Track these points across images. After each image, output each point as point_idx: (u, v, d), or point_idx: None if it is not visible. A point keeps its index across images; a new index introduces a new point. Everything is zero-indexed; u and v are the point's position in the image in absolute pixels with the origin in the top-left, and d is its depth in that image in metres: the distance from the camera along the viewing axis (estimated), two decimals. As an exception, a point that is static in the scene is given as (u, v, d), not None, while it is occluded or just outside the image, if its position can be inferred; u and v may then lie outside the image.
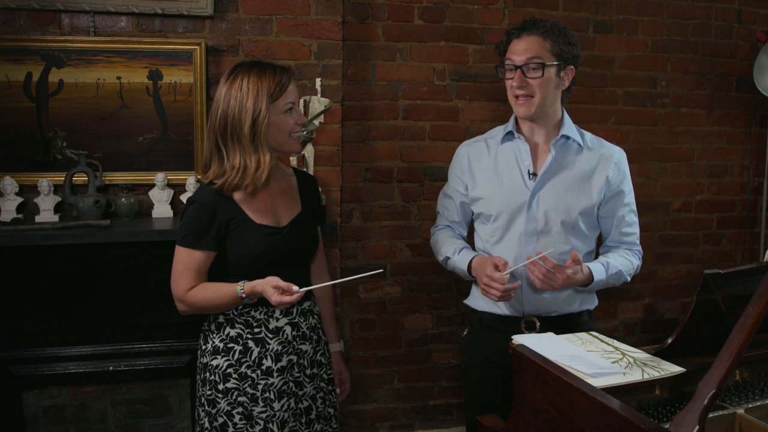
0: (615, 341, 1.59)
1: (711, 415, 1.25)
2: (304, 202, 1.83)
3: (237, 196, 1.68)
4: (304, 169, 2.44)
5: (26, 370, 2.31)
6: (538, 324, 1.86)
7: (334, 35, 2.60)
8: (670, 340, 1.47)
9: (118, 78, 2.40)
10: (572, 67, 1.83)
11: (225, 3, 2.49)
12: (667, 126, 3.19)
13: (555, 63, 1.78)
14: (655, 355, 1.46)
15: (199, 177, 2.46)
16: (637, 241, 1.96)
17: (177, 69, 2.44)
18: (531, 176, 1.86)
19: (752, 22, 3.21)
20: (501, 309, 1.90)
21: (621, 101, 3.11)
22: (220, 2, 2.48)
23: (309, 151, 2.47)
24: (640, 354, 1.47)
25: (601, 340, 1.59)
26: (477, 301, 1.96)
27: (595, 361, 1.41)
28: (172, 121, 2.47)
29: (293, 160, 2.39)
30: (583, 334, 1.64)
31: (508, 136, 1.92)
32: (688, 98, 3.20)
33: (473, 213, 1.99)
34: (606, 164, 1.87)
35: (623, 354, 1.47)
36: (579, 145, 1.89)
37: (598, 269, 1.82)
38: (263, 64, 1.67)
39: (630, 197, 1.93)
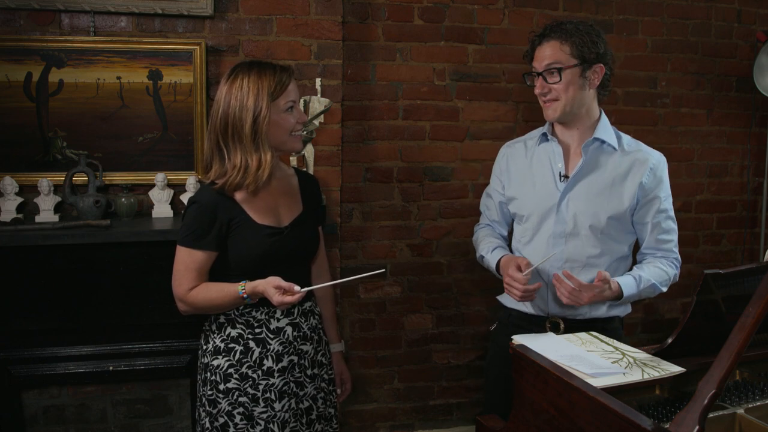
0: (615, 341, 1.59)
1: (711, 415, 1.25)
2: (306, 202, 1.83)
3: (238, 196, 1.68)
4: (304, 169, 2.44)
5: (26, 370, 2.31)
6: (562, 325, 1.85)
7: (334, 35, 2.60)
8: (670, 340, 1.47)
9: (118, 78, 2.40)
10: (600, 65, 1.80)
11: (225, 3, 2.49)
12: (667, 126, 3.19)
13: (575, 65, 1.77)
14: (655, 355, 1.46)
15: (199, 177, 2.47)
16: (675, 249, 1.89)
17: (177, 69, 2.44)
18: (562, 178, 1.85)
19: (752, 22, 3.21)
20: (527, 308, 1.90)
21: (621, 101, 3.11)
22: (220, 2, 2.48)
23: (309, 151, 2.47)
24: (640, 354, 1.47)
25: (601, 340, 1.59)
26: (506, 297, 1.95)
27: (595, 361, 1.41)
28: (172, 121, 2.47)
29: (293, 160, 2.39)
30: (583, 334, 1.64)
31: (543, 137, 1.92)
32: (688, 98, 3.20)
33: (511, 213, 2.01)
34: (640, 169, 1.84)
35: (623, 354, 1.47)
36: (613, 148, 1.85)
37: (629, 283, 1.78)
38: (263, 64, 1.67)
39: (667, 203, 1.88)
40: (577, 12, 2.99)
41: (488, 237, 2.03)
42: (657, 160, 1.88)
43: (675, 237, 1.90)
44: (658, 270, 1.84)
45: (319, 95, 2.44)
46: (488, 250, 1.97)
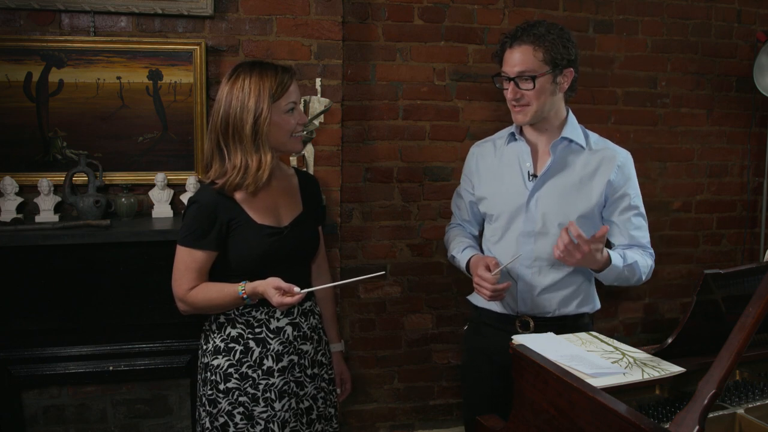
0: (615, 341, 1.59)
1: (711, 415, 1.25)
2: (306, 203, 1.83)
3: (238, 196, 1.68)
4: (305, 169, 2.44)
5: (26, 370, 2.31)
6: (532, 324, 1.87)
7: (334, 35, 2.60)
8: (670, 340, 1.47)
9: (118, 78, 2.40)
10: (571, 69, 1.81)
11: (225, 3, 2.49)
12: (667, 126, 3.19)
13: (547, 72, 1.77)
14: (655, 355, 1.46)
15: (199, 177, 2.47)
16: (648, 245, 1.90)
17: (177, 69, 2.44)
18: (531, 177, 1.86)
19: (752, 22, 3.21)
20: (497, 307, 1.91)
21: (621, 101, 3.11)
22: (220, 2, 2.48)
23: (309, 151, 2.47)
24: (640, 354, 1.47)
25: (601, 340, 1.59)
26: (476, 297, 1.97)
27: (595, 361, 1.41)
28: (172, 121, 2.47)
29: (293, 160, 2.39)
30: (583, 334, 1.64)
31: (512, 137, 1.93)
32: (688, 98, 3.20)
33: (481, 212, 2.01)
34: (608, 166, 1.85)
35: (623, 354, 1.47)
36: (581, 147, 1.87)
37: (615, 257, 1.76)
38: (265, 64, 1.67)
39: (637, 200, 1.88)
40: (577, 12, 2.99)
41: (459, 237, 2.03)
42: (624, 157, 1.88)
43: (647, 233, 1.91)
44: (639, 256, 1.84)
45: (319, 95, 2.44)
46: (459, 249, 1.98)
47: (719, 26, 3.17)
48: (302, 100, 2.35)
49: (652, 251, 1.91)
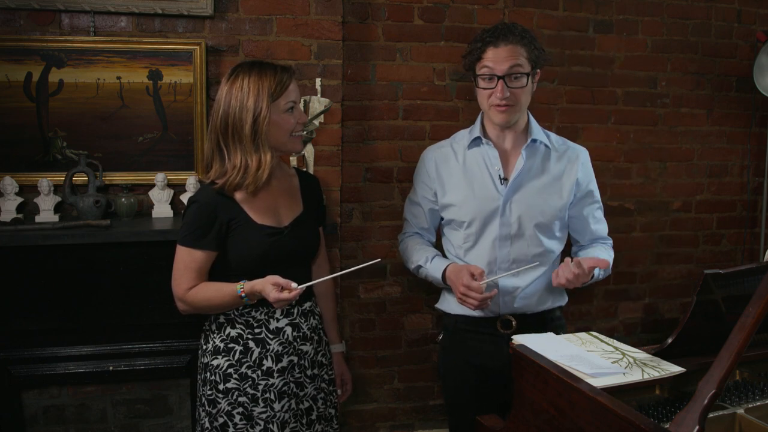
0: (615, 341, 1.59)
1: (711, 415, 1.25)
2: (306, 203, 1.83)
3: (238, 196, 1.68)
4: (305, 169, 2.44)
5: (26, 370, 2.31)
6: (514, 322, 1.88)
7: (334, 35, 2.60)
8: (670, 340, 1.47)
9: (118, 78, 2.40)
10: (538, 70, 1.85)
11: (225, 3, 2.49)
12: (667, 126, 3.19)
13: (530, 71, 1.80)
14: (655, 355, 1.46)
15: (199, 177, 2.47)
16: (606, 234, 2.01)
17: (177, 69, 2.44)
18: (502, 181, 1.86)
19: (752, 22, 3.21)
20: (475, 311, 1.88)
21: (621, 101, 3.11)
22: (220, 2, 2.48)
23: (309, 151, 2.47)
24: (640, 354, 1.47)
25: (601, 340, 1.59)
26: (450, 305, 1.95)
27: (595, 361, 1.41)
28: (172, 121, 2.47)
29: (293, 160, 2.39)
30: (582, 334, 1.64)
31: (476, 141, 1.90)
32: (688, 98, 3.20)
33: (442, 219, 1.98)
34: (574, 165, 1.90)
35: (623, 354, 1.47)
36: (546, 147, 1.90)
37: (596, 270, 1.83)
38: (264, 64, 1.67)
39: (597, 194, 1.98)
40: (577, 12, 2.99)
41: (421, 246, 1.98)
42: (585, 155, 1.95)
43: (606, 225, 2.01)
44: (604, 252, 1.94)
45: (319, 95, 2.44)
46: (426, 259, 1.93)
47: (719, 26, 3.17)
48: (302, 100, 2.35)
49: (610, 241, 2.02)
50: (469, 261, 1.89)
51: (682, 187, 3.26)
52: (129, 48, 2.39)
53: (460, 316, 1.93)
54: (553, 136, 1.95)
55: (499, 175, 1.86)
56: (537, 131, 1.89)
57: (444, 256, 1.98)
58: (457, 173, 1.91)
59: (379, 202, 2.92)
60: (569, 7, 2.98)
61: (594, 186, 1.96)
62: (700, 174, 3.28)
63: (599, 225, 1.98)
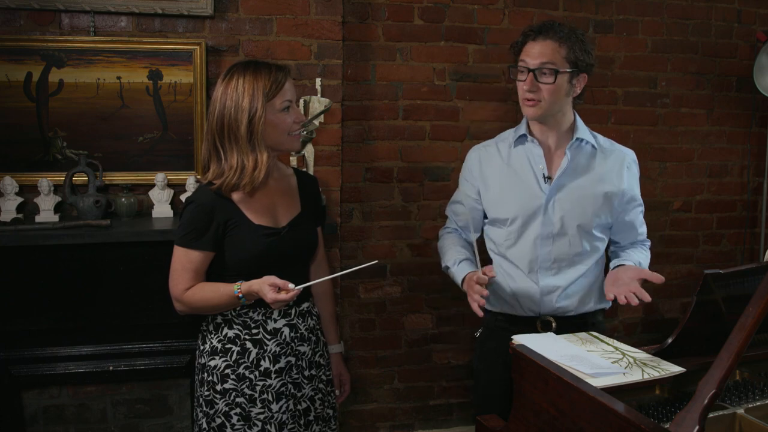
0: (615, 341, 1.59)
1: (711, 415, 1.25)
2: (304, 203, 1.82)
3: (235, 196, 1.67)
4: (304, 170, 2.44)
5: (26, 370, 2.31)
6: (554, 324, 1.86)
7: (334, 35, 2.60)
8: (670, 340, 1.47)
9: (118, 78, 2.40)
10: (585, 75, 1.82)
11: (225, 3, 2.49)
12: (667, 126, 3.19)
13: (568, 70, 1.77)
14: (655, 355, 1.46)
15: (198, 177, 2.47)
16: (645, 236, 2.00)
17: (177, 69, 2.44)
18: (546, 180, 1.84)
19: (752, 22, 3.21)
20: (516, 310, 1.89)
21: (621, 101, 3.11)
22: (220, 2, 2.48)
23: (309, 151, 2.47)
24: (640, 354, 1.47)
25: (601, 340, 1.59)
26: (491, 301, 1.94)
27: (595, 361, 1.41)
28: (172, 121, 2.47)
29: (293, 160, 2.39)
30: (583, 334, 1.64)
31: (521, 139, 1.90)
32: (688, 98, 3.20)
33: (485, 217, 1.98)
34: (621, 168, 1.88)
35: (623, 354, 1.47)
36: (593, 147, 1.88)
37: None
38: (259, 64, 1.67)
39: (640, 197, 1.95)
40: (577, 12, 2.99)
41: (454, 246, 1.98)
42: (632, 158, 1.93)
43: (645, 226, 2.00)
44: (644, 256, 1.94)
45: (319, 95, 2.44)
46: (454, 262, 1.94)
47: (719, 26, 3.17)
48: (302, 100, 2.35)
49: (649, 242, 2.01)
50: (511, 259, 1.89)
51: (682, 187, 3.26)
52: (129, 48, 2.39)
53: (500, 313, 1.93)
54: (600, 137, 1.93)
55: (543, 174, 1.85)
56: (583, 131, 1.87)
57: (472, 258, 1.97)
58: (501, 171, 1.91)
59: (379, 202, 2.92)
60: (569, 7, 2.98)
61: (638, 189, 1.93)
62: (700, 174, 3.28)
63: (641, 228, 1.96)
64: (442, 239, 2.07)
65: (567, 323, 1.84)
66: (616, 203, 1.87)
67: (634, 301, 1.67)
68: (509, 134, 1.95)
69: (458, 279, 1.90)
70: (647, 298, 1.65)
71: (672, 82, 3.16)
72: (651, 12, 3.08)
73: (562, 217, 1.83)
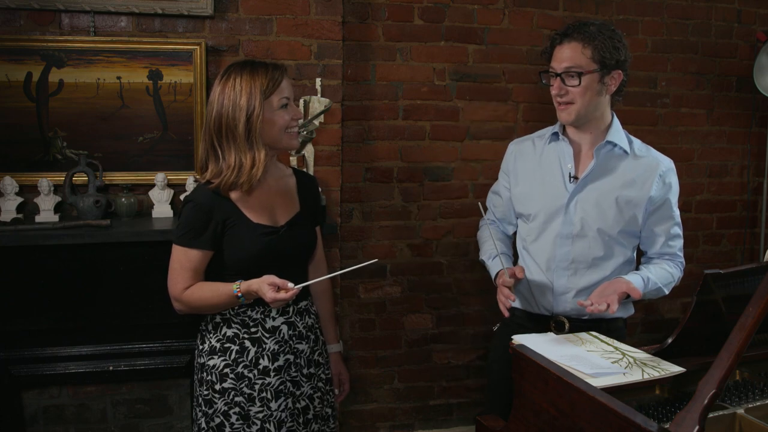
0: (615, 341, 1.59)
1: (711, 415, 1.25)
2: (303, 202, 1.83)
3: (234, 195, 1.68)
4: (304, 170, 2.44)
5: (26, 370, 2.30)
6: (567, 325, 1.85)
7: (334, 35, 2.60)
8: (670, 340, 1.48)
9: (118, 78, 2.40)
10: (619, 71, 1.80)
11: (225, 3, 2.49)
12: (667, 126, 3.19)
13: (595, 70, 1.75)
14: (655, 355, 1.47)
15: (197, 177, 2.46)
16: (681, 253, 1.91)
17: (177, 69, 2.44)
18: (572, 179, 1.84)
19: (752, 22, 3.21)
20: (532, 307, 1.90)
21: (621, 101, 3.10)
22: (220, 2, 2.48)
23: (309, 151, 2.47)
24: (640, 354, 1.47)
25: (601, 340, 1.59)
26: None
27: (595, 361, 1.41)
28: (172, 121, 2.47)
29: (293, 161, 2.39)
30: (583, 334, 1.64)
31: (554, 136, 1.91)
32: (688, 98, 3.20)
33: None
34: (651, 176, 1.83)
35: (623, 354, 1.47)
36: (625, 152, 1.85)
37: (637, 283, 1.76)
38: (256, 63, 1.68)
39: (675, 210, 1.88)
40: (577, 12, 2.99)
41: (491, 240, 1.97)
42: (667, 166, 1.86)
43: (681, 242, 1.91)
44: (664, 272, 1.85)
45: (319, 95, 2.44)
46: (489, 256, 1.97)
47: (719, 26, 3.17)
48: (302, 100, 2.35)
49: (682, 260, 1.91)
50: (532, 254, 1.90)
51: (682, 187, 3.21)
52: (129, 48, 2.39)
53: (518, 309, 1.94)
54: (637, 142, 1.89)
55: (570, 173, 1.84)
56: (616, 134, 1.84)
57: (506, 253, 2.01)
58: (532, 166, 1.92)
59: (379, 202, 2.92)
60: (569, 7, 2.98)
61: (673, 201, 1.86)
62: (700, 174, 3.28)
63: (672, 242, 1.87)
64: (480, 230, 2.10)
65: (582, 326, 1.80)
66: (641, 211, 1.83)
67: (597, 310, 1.64)
68: (548, 130, 1.95)
69: (492, 274, 1.94)
70: (608, 310, 1.63)
71: (672, 82, 3.16)
72: (651, 12, 3.08)
73: (582, 218, 1.82)
